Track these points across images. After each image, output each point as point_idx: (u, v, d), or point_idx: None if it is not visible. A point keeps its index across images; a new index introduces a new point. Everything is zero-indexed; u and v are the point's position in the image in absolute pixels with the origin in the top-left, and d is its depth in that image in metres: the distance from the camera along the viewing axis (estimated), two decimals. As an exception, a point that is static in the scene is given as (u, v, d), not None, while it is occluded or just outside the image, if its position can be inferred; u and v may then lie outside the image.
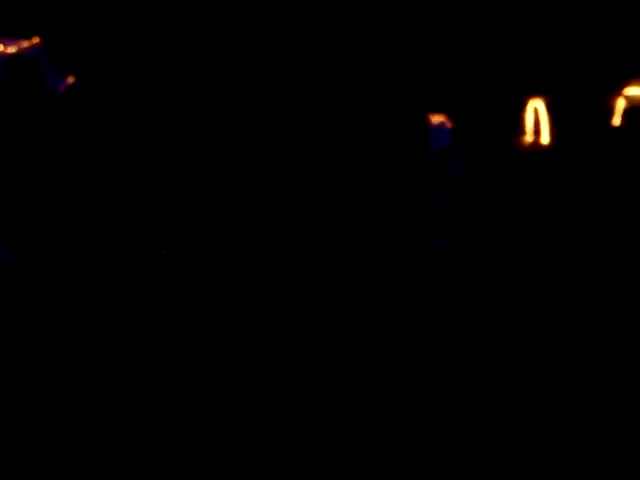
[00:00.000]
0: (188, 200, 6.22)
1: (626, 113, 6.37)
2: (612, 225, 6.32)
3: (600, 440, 4.39)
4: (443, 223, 6.38)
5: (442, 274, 6.23)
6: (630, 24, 6.32)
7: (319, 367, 5.17)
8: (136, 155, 6.13)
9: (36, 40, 5.86)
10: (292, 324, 5.66)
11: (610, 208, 6.34)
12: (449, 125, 6.39)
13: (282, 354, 5.28)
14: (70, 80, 5.94)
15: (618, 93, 6.37)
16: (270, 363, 5.16)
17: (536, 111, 6.47)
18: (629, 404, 4.73)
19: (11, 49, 5.83)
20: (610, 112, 6.39)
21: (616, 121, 6.39)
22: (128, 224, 6.05)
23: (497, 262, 6.32)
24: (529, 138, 6.49)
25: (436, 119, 6.38)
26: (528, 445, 4.37)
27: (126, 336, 5.35)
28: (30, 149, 5.87)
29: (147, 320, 5.54)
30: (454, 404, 4.77)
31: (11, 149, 5.84)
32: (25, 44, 5.86)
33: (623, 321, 5.74)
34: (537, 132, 6.48)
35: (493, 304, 6.01)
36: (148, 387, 4.83)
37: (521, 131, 6.48)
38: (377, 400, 4.75)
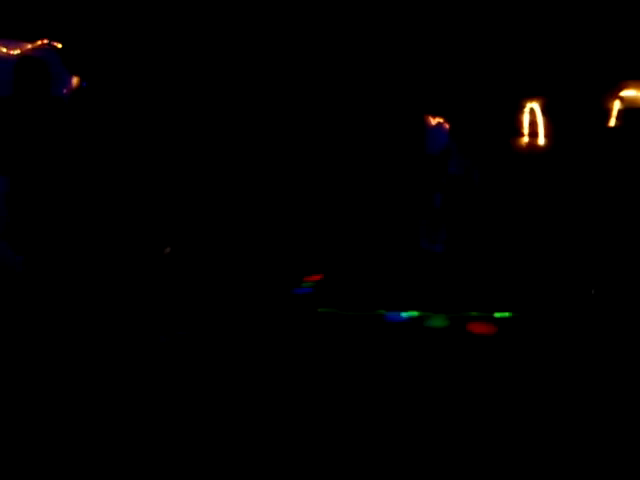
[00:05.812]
0: (190, 201, 6.26)
1: (622, 114, 6.38)
2: (609, 225, 6.32)
3: (600, 440, 4.35)
4: (440, 224, 6.41)
5: (438, 274, 6.26)
6: (626, 27, 6.31)
7: (317, 366, 5.20)
8: (140, 156, 6.18)
9: (48, 42, 5.93)
10: (290, 323, 5.71)
11: (607, 208, 6.35)
12: (446, 127, 6.44)
13: (280, 355, 5.30)
14: (76, 82, 6.00)
15: (614, 95, 6.38)
16: (268, 363, 5.18)
17: (533, 112, 6.49)
18: (629, 404, 4.71)
19: (21, 50, 5.90)
20: (606, 113, 6.40)
21: (612, 122, 6.40)
22: (132, 224, 6.10)
23: (494, 262, 6.34)
24: (526, 139, 6.50)
25: (433, 121, 6.43)
26: (527, 445, 4.32)
27: (126, 334, 5.39)
28: (36, 150, 5.93)
29: (147, 319, 5.59)
30: (454, 403, 4.75)
31: (18, 149, 5.90)
32: (36, 46, 5.92)
33: (623, 321, 5.78)
34: (534, 133, 6.49)
35: (492, 303, 6.05)
36: (148, 386, 4.84)
37: (518, 132, 6.49)
38: (374, 403, 4.73)
